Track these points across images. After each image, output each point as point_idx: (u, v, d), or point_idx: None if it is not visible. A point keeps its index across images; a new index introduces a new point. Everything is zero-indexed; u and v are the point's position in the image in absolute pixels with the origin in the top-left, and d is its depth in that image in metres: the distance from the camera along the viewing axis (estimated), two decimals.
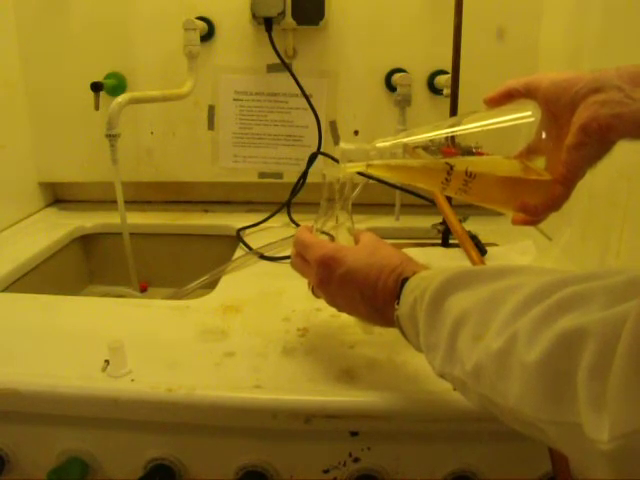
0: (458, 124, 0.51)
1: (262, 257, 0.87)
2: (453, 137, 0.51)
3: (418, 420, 0.52)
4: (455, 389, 0.43)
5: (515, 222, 0.51)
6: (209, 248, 1.03)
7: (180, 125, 1.07)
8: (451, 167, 0.48)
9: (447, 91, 0.85)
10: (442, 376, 0.44)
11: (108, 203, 1.03)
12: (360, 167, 0.52)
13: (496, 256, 0.85)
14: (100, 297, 0.87)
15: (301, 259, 0.56)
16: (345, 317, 0.56)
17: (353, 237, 0.59)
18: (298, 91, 1.00)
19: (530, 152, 0.50)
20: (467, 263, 0.69)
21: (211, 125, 1.07)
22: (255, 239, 0.93)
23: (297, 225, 1.00)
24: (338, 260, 0.52)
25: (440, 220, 0.87)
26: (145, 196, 1.13)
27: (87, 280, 1.09)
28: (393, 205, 1.01)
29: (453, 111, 0.83)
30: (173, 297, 0.82)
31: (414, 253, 0.55)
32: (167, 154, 1.08)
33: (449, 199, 0.79)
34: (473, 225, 0.82)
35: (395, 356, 0.58)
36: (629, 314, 0.28)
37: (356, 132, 1.06)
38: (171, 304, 0.74)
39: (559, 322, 0.32)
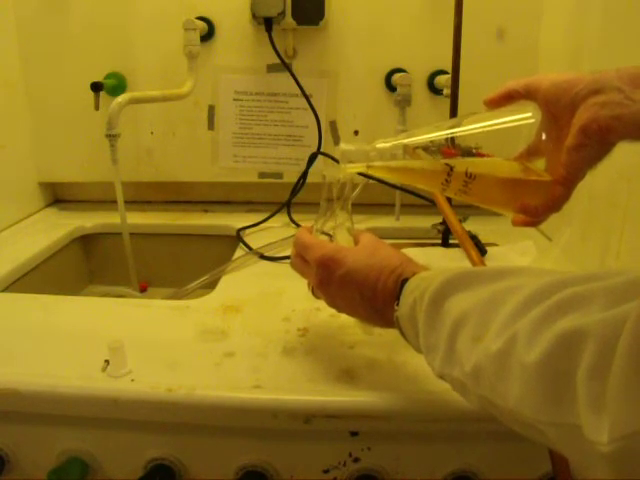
0: (458, 125, 0.51)
1: (262, 257, 0.87)
2: (453, 138, 0.51)
3: (418, 420, 0.52)
4: (455, 390, 0.43)
5: (515, 223, 0.51)
6: (209, 248, 1.03)
7: (180, 125, 1.07)
8: (451, 168, 0.48)
9: (447, 91, 0.85)
10: (441, 377, 0.44)
11: (108, 203, 1.03)
12: (360, 168, 0.53)
13: (496, 256, 0.85)
14: (100, 297, 0.87)
15: (301, 260, 0.56)
16: (345, 317, 0.56)
17: (353, 237, 0.59)
18: (298, 91, 1.00)
19: (530, 153, 0.50)
20: (467, 263, 0.69)
21: (211, 125, 1.07)
22: (255, 239, 0.93)
23: (297, 225, 1.00)
24: (338, 261, 0.52)
25: (440, 220, 0.87)
26: (145, 196, 1.13)
27: (87, 280, 1.09)
28: (393, 205, 1.01)
29: (453, 111, 0.83)
30: (173, 297, 0.82)
31: (414, 253, 0.55)
32: (167, 154, 1.08)
33: (449, 199, 0.79)
34: (473, 225, 0.82)
35: (395, 356, 0.58)
36: (629, 315, 0.28)
37: (356, 132, 1.06)
38: (171, 304, 0.74)
39: (559, 323, 0.32)
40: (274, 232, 0.96)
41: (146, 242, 1.03)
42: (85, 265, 1.07)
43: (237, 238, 0.95)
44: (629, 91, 0.41)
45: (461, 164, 0.49)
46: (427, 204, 0.94)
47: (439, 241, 0.90)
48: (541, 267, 0.47)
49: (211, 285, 0.81)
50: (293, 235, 0.59)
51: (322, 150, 1.02)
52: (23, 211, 1.06)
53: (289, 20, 0.96)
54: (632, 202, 0.66)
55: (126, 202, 0.91)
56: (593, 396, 0.28)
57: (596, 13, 0.77)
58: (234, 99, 1.06)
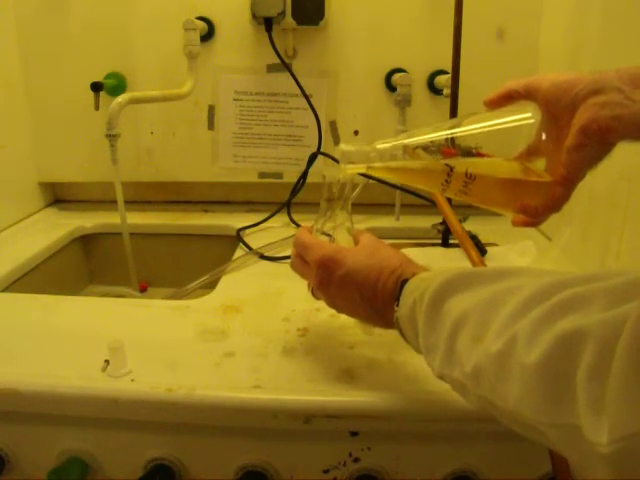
0: (458, 126, 0.51)
1: (262, 257, 0.87)
2: (453, 138, 0.51)
3: (418, 420, 0.52)
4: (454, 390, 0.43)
5: (515, 223, 0.51)
6: (209, 248, 1.03)
7: (180, 125, 1.07)
8: (451, 169, 0.48)
9: (447, 91, 0.85)
10: (441, 378, 0.44)
11: (108, 203, 1.03)
12: (360, 169, 0.53)
13: (496, 256, 0.85)
14: (100, 297, 0.87)
15: (301, 260, 0.56)
16: (345, 317, 0.56)
17: (353, 237, 0.59)
18: (298, 91, 1.00)
19: (530, 153, 0.50)
20: (467, 263, 0.69)
21: (211, 125, 1.07)
22: (255, 239, 0.93)
23: (297, 225, 1.00)
24: (338, 262, 0.52)
25: (440, 220, 0.87)
26: (145, 196, 1.13)
27: (87, 280, 1.09)
28: (393, 205, 1.01)
29: (453, 111, 0.83)
30: (173, 297, 0.82)
31: (414, 253, 0.55)
32: (167, 154, 1.08)
33: (449, 199, 0.79)
34: (473, 225, 0.82)
35: (395, 356, 0.58)
36: (629, 316, 0.28)
37: (356, 132, 1.06)
38: (171, 304, 0.74)
39: (559, 324, 0.32)
40: (274, 232, 0.96)
41: (146, 242, 1.03)
42: (85, 265, 1.07)
43: (237, 238, 0.95)
44: (629, 91, 0.41)
45: (461, 164, 0.49)
46: (427, 204, 0.94)
47: (439, 241, 0.90)
48: (541, 267, 0.47)
49: (211, 285, 0.81)
50: (293, 235, 0.59)
51: (322, 150, 1.02)
52: (23, 211, 1.06)
53: (289, 20, 0.96)
54: (632, 202, 0.66)
55: (126, 202, 0.91)
56: (593, 397, 0.28)
57: (596, 13, 0.77)
58: (234, 99, 1.06)
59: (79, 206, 1.13)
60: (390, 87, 1.02)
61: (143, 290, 1.03)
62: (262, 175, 1.09)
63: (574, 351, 0.30)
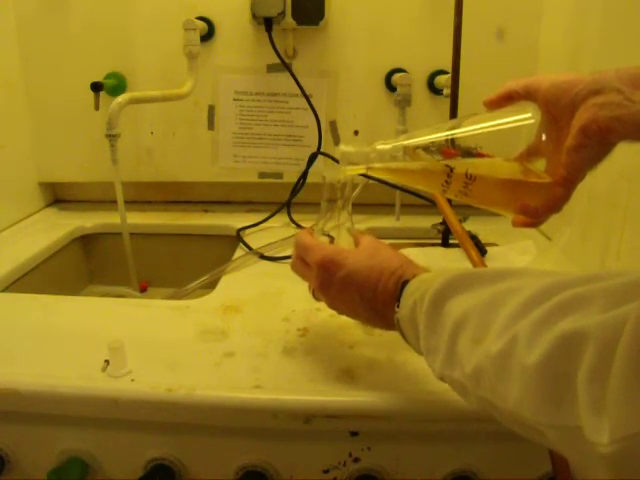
0: (458, 126, 0.51)
1: (262, 257, 0.87)
2: (453, 139, 0.51)
3: (418, 420, 0.52)
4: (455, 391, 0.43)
5: (515, 224, 0.51)
6: (209, 248, 1.03)
7: (180, 125, 1.07)
8: (451, 170, 0.48)
9: (447, 91, 0.85)
10: (442, 379, 0.44)
11: (108, 203, 1.03)
12: (360, 170, 0.53)
13: (496, 256, 0.85)
14: (100, 297, 0.87)
15: (301, 262, 0.56)
16: (345, 317, 0.56)
17: (353, 237, 0.59)
18: (298, 91, 1.00)
19: (530, 154, 0.50)
20: (467, 263, 0.69)
21: (211, 125, 1.07)
22: (255, 239, 0.93)
23: (297, 225, 1.00)
24: (338, 263, 0.52)
25: (440, 220, 0.87)
26: (145, 196, 1.13)
27: (87, 280, 1.09)
28: (393, 205, 1.01)
29: (453, 111, 0.83)
30: (173, 297, 0.82)
31: (414, 253, 0.55)
32: (167, 154, 1.08)
33: (449, 199, 0.79)
34: (473, 225, 0.82)
35: (395, 356, 0.58)
36: (629, 316, 0.28)
37: (356, 132, 1.06)
38: (171, 304, 0.74)
39: (559, 324, 0.32)
40: (274, 232, 0.96)
41: (146, 242, 1.03)
42: (85, 265, 1.07)
43: (237, 238, 0.95)
44: (629, 92, 0.41)
45: (461, 165, 0.49)
46: (427, 204, 0.94)
47: (439, 241, 0.90)
48: (541, 268, 0.47)
49: (211, 285, 0.81)
50: (293, 235, 0.59)
51: (322, 150, 1.02)
52: (23, 211, 1.06)
53: (289, 20, 0.96)
54: (632, 202, 0.66)
55: (126, 202, 0.91)
56: (593, 398, 0.28)
57: (596, 13, 0.77)
58: (234, 99, 1.06)
59: (79, 206, 1.13)
60: (390, 87, 1.02)
61: (143, 290, 1.03)
62: (262, 175, 1.09)
63: (574, 352, 0.30)
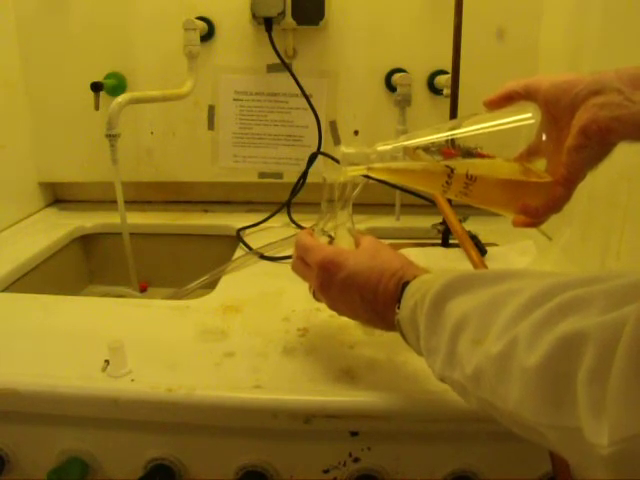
0: (458, 127, 0.51)
1: (262, 257, 0.87)
2: (453, 139, 0.51)
3: (418, 420, 0.52)
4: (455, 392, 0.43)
5: (516, 224, 0.51)
6: (209, 248, 1.03)
7: (180, 125, 1.07)
8: (452, 170, 0.48)
9: (447, 91, 0.85)
10: (442, 380, 0.44)
11: (108, 203, 1.03)
12: (361, 170, 0.53)
13: (496, 256, 0.85)
14: (100, 297, 0.87)
15: (302, 262, 0.56)
16: (345, 317, 0.56)
17: (353, 238, 0.59)
18: (298, 91, 1.00)
19: (530, 154, 0.50)
20: (467, 263, 0.69)
21: (211, 125, 1.07)
22: (255, 239, 0.93)
23: (297, 225, 1.00)
24: (339, 264, 0.52)
25: (440, 220, 0.87)
26: (145, 196, 1.13)
27: (87, 280, 1.09)
28: (393, 205, 1.01)
29: (453, 111, 0.83)
30: (173, 297, 0.82)
31: (414, 253, 0.55)
32: (167, 154, 1.08)
33: (449, 199, 0.79)
34: (473, 225, 0.82)
35: (395, 356, 0.58)
36: (629, 318, 0.28)
37: (356, 132, 1.06)
38: (171, 304, 0.74)
39: (559, 326, 0.32)
40: (274, 232, 0.96)
41: (146, 242, 1.03)
42: (85, 265, 1.07)
43: (237, 238, 0.95)
44: (629, 92, 0.41)
45: (461, 166, 0.49)
46: (427, 204, 0.94)
47: (439, 241, 0.90)
48: (542, 269, 0.47)
49: (211, 285, 0.81)
50: (293, 235, 0.59)
51: (322, 150, 1.02)
52: (23, 211, 1.06)
53: (289, 20, 0.96)
54: (632, 202, 0.66)
55: (126, 202, 0.91)
56: (593, 399, 0.28)
57: (596, 13, 0.77)
58: (234, 99, 1.06)
59: (79, 206, 1.13)
60: (390, 87, 1.02)
61: (143, 290, 1.03)
62: (262, 175, 1.09)
63: (574, 353, 0.30)
